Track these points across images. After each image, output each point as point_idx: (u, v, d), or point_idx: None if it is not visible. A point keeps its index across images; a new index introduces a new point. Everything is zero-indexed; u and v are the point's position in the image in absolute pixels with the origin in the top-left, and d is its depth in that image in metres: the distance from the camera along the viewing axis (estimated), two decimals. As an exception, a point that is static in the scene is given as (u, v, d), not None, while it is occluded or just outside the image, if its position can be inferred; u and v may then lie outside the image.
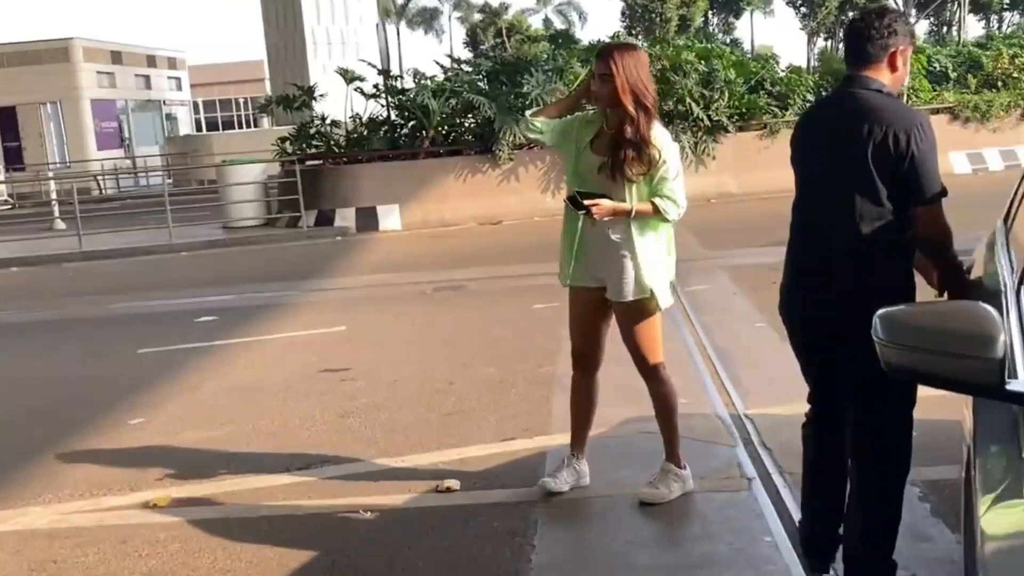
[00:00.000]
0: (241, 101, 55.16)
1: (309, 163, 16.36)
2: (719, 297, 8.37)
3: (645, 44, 17.64)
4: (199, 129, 39.44)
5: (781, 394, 5.42)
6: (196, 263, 13.66)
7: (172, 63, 35.21)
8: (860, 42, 2.99)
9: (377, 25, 18.11)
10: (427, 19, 61.77)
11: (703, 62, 16.60)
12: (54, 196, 19.62)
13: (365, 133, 16.60)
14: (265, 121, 49.99)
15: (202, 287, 11.19)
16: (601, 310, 4.08)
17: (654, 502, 3.98)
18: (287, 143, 16.88)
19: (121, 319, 9.66)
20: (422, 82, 16.57)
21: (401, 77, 17.30)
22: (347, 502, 4.28)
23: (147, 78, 33.06)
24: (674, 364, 6.30)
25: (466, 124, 16.42)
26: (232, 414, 5.85)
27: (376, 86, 16.93)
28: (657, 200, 3.86)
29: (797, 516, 3.78)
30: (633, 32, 50.85)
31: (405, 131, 16.72)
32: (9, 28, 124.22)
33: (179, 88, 35.80)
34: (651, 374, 4.09)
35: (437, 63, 18.13)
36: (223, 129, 45.83)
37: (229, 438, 5.37)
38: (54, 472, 5.02)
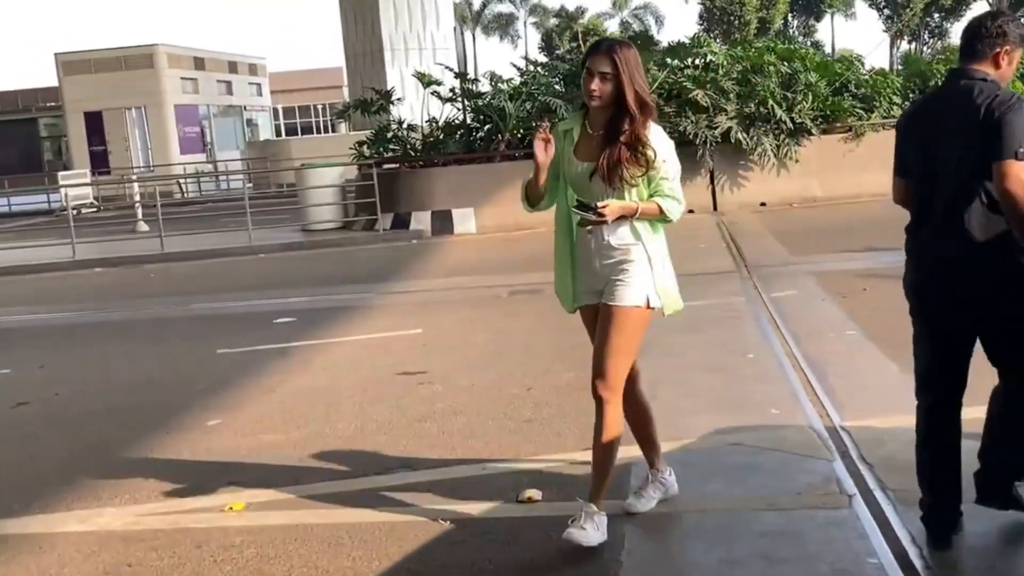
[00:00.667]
0: (319, 107, 55.98)
1: (386, 167, 16.40)
2: (807, 304, 8.07)
3: (724, 47, 17.23)
4: (278, 134, 40.02)
5: (879, 405, 5.16)
6: (275, 265, 13.75)
7: (253, 69, 35.82)
8: (971, 39, 3.28)
9: (455, 29, 18.04)
10: (502, 25, 61.91)
11: (785, 63, 16.20)
12: (137, 199, 20.02)
13: (441, 137, 16.59)
14: (342, 126, 50.69)
15: (280, 289, 11.23)
16: None
17: (579, 543, 3.54)
18: (364, 147, 16.94)
19: (201, 320, 9.73)
20: (498, 85, 16.49)
21: (477, 81, 17.22)
22: (426, 510, 4.14)
23: (229, 84, 33.68)
24: (764, 373, 6.12)
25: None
26: (309, 417, 5.77)
27: (452, 90, 16.90)
28: (659, 199, 3.62)
29: (903, 535, 3.55)
30: (711, 34, 50.21)
31: (481, 134, 16.67)
32: (97, 35, 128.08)
33: (260, 94, 36.40)
34: (612, 393, 3.69)
35: (514, 66, 18.05)
36: (301, 134, 46.53)
37: (306, 441, 5.28)
38: (130, 473, 4.98)
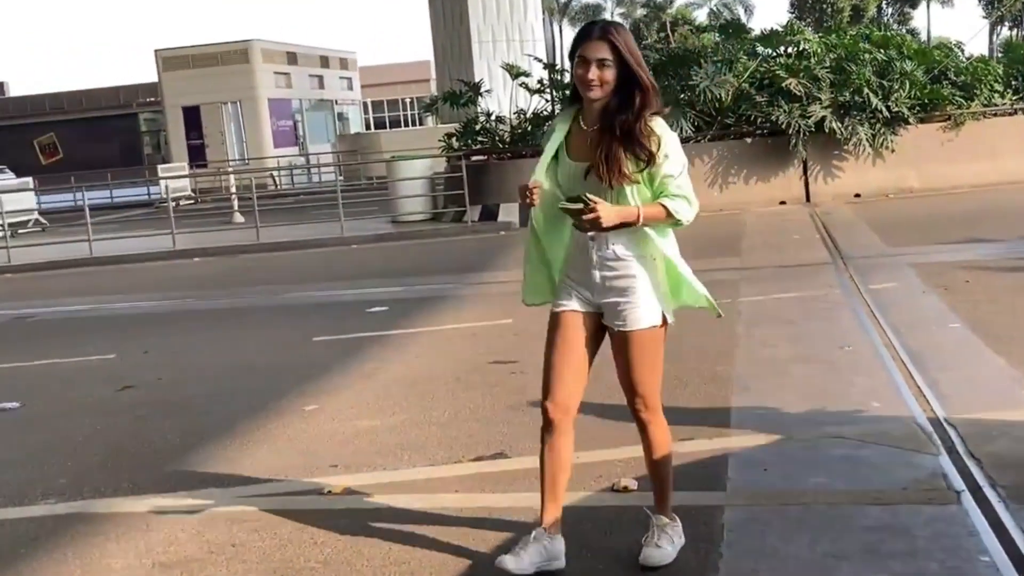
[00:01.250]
0: (408, 101, 56.58)
1: (474, 159, 16.49)
2: (907, 296, 7.84)
3: (818, 35, 16.84)
4: (367, 128, 40.57)
5: (986, 400, 5.00)
6: (366, 255, 13.96)
7: (344, 63, 36.38)
8: None
9: (544, 20, 18.04)
10: (589, 16, 61.55)
11: (881, 51, 15.76)
12: (233, 191, 20.52)
13: (529, 128, 16.61)
14: (429, 120, 51.26)
15: (372, 278, 11.40)
16: (595, 340, 3.40)
17: (659, 564, 3.38)
18: (453, 139, 17.06)
19: (297, 308, 9.93)
20: (588, 76, 16.42)
21: (566, 71, 17.16)
22: (522, 497, 4.15)
23: (320, 78, 34.27)
24: (862, 365, 5.98)
25: (632, 117, 16.19)
26: (404, 403, 5.84)
27: (541, 81, 16.91)
28: (666, 201, 3.19)
29: (1017, 535, 3.42)
30: (803, 23, 49.14)
31: (569, 126, 16.63)
32: (195, 32, 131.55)
33: (350, 88, 36.95)
34: (653, 414, 3.43)
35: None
36: (389, 127, 47.10)
37: (402, 427, 5.35)
38: (232, 456, 5.12)
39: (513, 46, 30.04)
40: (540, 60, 17.59)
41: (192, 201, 24.96)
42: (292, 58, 32.33)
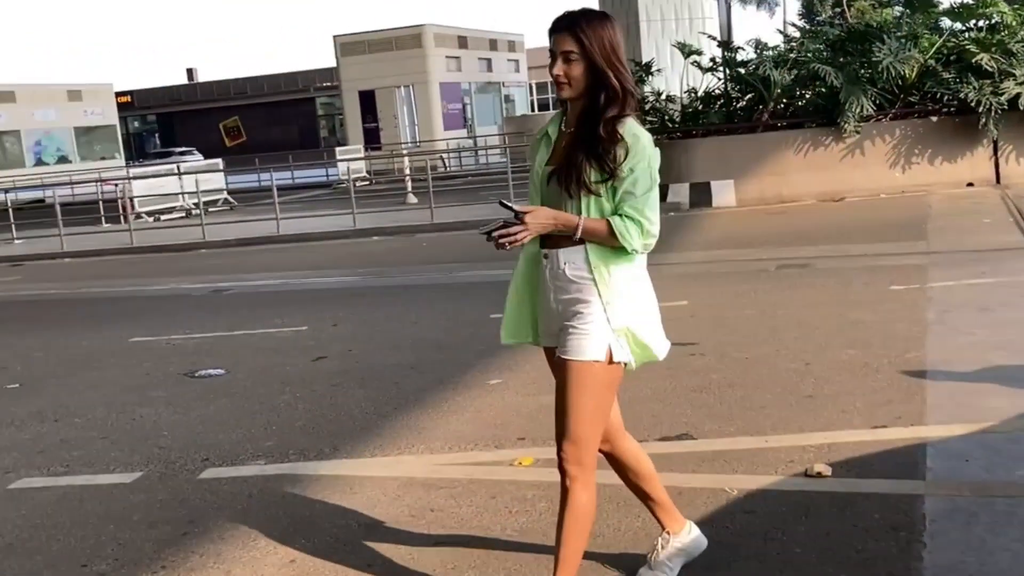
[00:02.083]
0: (572, 81, 56.61)
1: (643, 139, 16.37)
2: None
3: (1012, 7, 15.79)
4: (533, 109, 40.87)
5: None
6: (535, 236, 14.11)
7: (511, 46, 36.75)
8: None
9: (717, -3, 17.70)
10: (759, -8, 59.81)
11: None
12: (407, 172, 21.13)
13: (700, 108, 16.37)
14: (594, 100, 51.00)
15: (543, 259, 11.53)
16: None
17: None
18: (622, 119, 16.99)
19: (472, 286, 10.18)
20: (763, 53, 16.04)
21: (741, 49, 16.81)
22: (711, 477, 4.17)
23: (489, 61, 34.76)
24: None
25: (807, 96, 15.72)
26: (584, 382, 5.91)
27: (713, 59, 16.62)
28: (615, 219, 2.79)
29: None
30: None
31: (741, 104, 16.31)
32: (369, 17, 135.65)
33: (517, 70, 37.29)
34: (581, 469, 2.87)
35: (780, 32, 17.49)
36: (553, 109, 47.24)
37: (584, 405, 5.43)
38: (423, 425, 5.33)
39: (682, 24, 29.61)
40: (714, 38, 17.22)
41: (367, 182, 25.82)
42: (463, 42, 32.90)
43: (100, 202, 21.32)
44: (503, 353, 6.80)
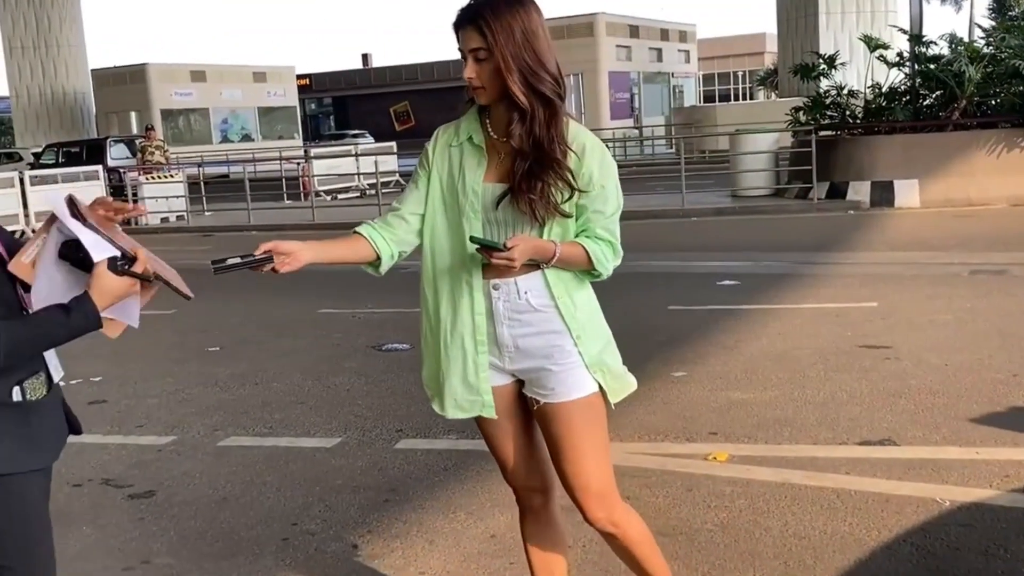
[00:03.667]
0: (740, 74, 55.46)
1: (823, 134, 15.87)
2: None
3: None
4: (700, 101, 40.24)
5: None
6: (707, 228, 13.91)
7: (683, 36, 36.28)
8: None
9: (911, -12, 16.90)
10: (948, -18, 56.87)
11: None
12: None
13: (884, 103, 15.73)
14: (760, 93, 49.86)
15: (717, 252, 11.36)
16: (523, 412, 2.60)
17: None
18: (800, 113, 16.51)
19: (646, 276, 10.08)
20: (957, 48, 15.26)
21: (934, 43, 16.03)
22: (920, 486, 4.01)
23: (659, 51, 34.41)
24: None
25: (1002, 94, 14.85)
26: (773, 378, 5.80)
27: (900, 54, 15.93)
28: (589, 243, 2.43)
29: None
30: None
31: (929, 101, 15.58)
32: (543, 5, 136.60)
33: (687, 61, 36.78)
34: (614, 511, 2.55)
35: (978, 26, 16.59)
36: (718, 101, 46.42)
37: (775, 402, 5.32)
38: (611, 413, 5.31)
39: (863, 17, 28.43)
40: (904, 31, 16.47)
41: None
42: (634, 31, 32.68)
43: (283, 179, 22.26)
44: (683, 345, 6.75)
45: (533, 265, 2.41)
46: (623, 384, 2.58)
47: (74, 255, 2.01)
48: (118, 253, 1.99)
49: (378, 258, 2.51)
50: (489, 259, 2.34)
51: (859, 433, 4.74)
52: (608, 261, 2.47)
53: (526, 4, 2.37)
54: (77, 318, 1.95)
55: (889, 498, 3.90)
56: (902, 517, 3.71)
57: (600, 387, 2.50)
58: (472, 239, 2.37)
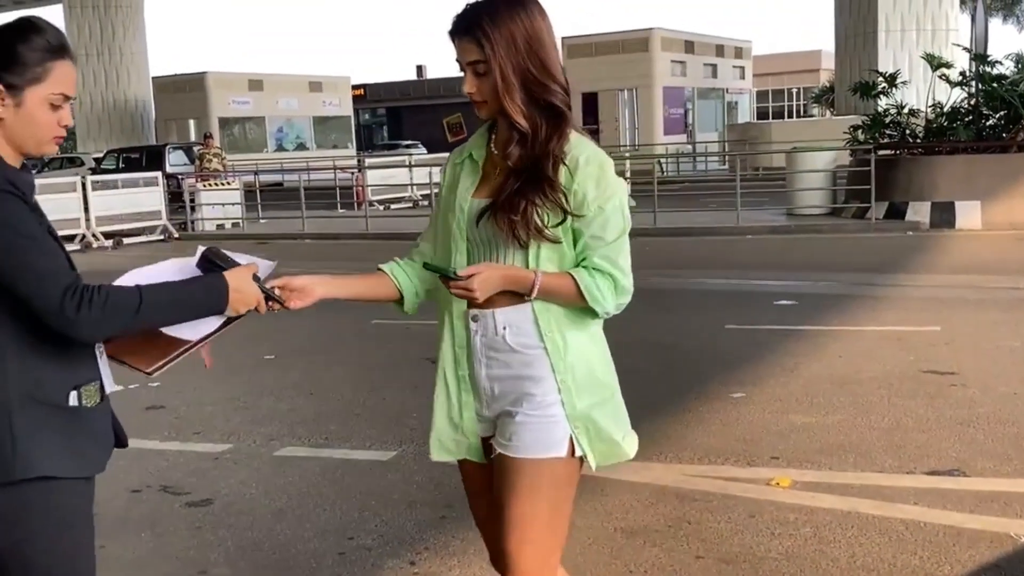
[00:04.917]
0: (794, 91, 54.94)
1: (882, 152, 15.63)
2: None
3: None
4: (755, 118, 39.94)
5: None
6: (762, 246, 13.74)
7: (738, 52, 36.03)
8: None
9: (976, 7, 16.62)
10: (1007, 5, 55.90)
11: None
12: (628, 175, 21.06)
13: (945, 123, 15.44)
14: (815, 110, 49.31)
15: (773, 271, 11.23)
16: None
17: None
18: (859, 131, 16.28)
19: (700, 294, 10.00)
20: (1022, 67, 14.95)
21: (999, 63, 15.71)
22: (993, 520, 3.88)
23: (714, 67, 34.20)
24: None
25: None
26: (835, 402, 5.67)
27: (963, 73, 15.65)
28: (581, 274, 2.14)
29: None
30: None
31: (992, 122, 15.28)
32: (593, 21, 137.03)
33: (742, 77, 36.52)
34: None
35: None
36: (773, 118, 46.04)
37: (838, 428, 5.20)
38: (669, 433, 5.25)
39: (924, 35, 28.05)
40: (968, 50, 16.16)
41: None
42: (689, 47, 32.52)
43: (337, 188, 22.44)
44: (741, 366, 6.64)
45: (518, 296, 2.14)
46: (613, 450, 2.22)
47: (216, 258, 2.10)
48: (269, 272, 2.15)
49: (401, 296, 2.32)
50: (447, 288, 2.13)
51: (927, 462, 4.61)
52: (605, 298, 2.14)
53: (528, 6, 2.15)
54: (212, 283, 2.06)
55: (961, 531, 3.78)
56: (975, 552, 3.59)
57: (576, 448, 2.16)
58: (425, 265, 2.20)
